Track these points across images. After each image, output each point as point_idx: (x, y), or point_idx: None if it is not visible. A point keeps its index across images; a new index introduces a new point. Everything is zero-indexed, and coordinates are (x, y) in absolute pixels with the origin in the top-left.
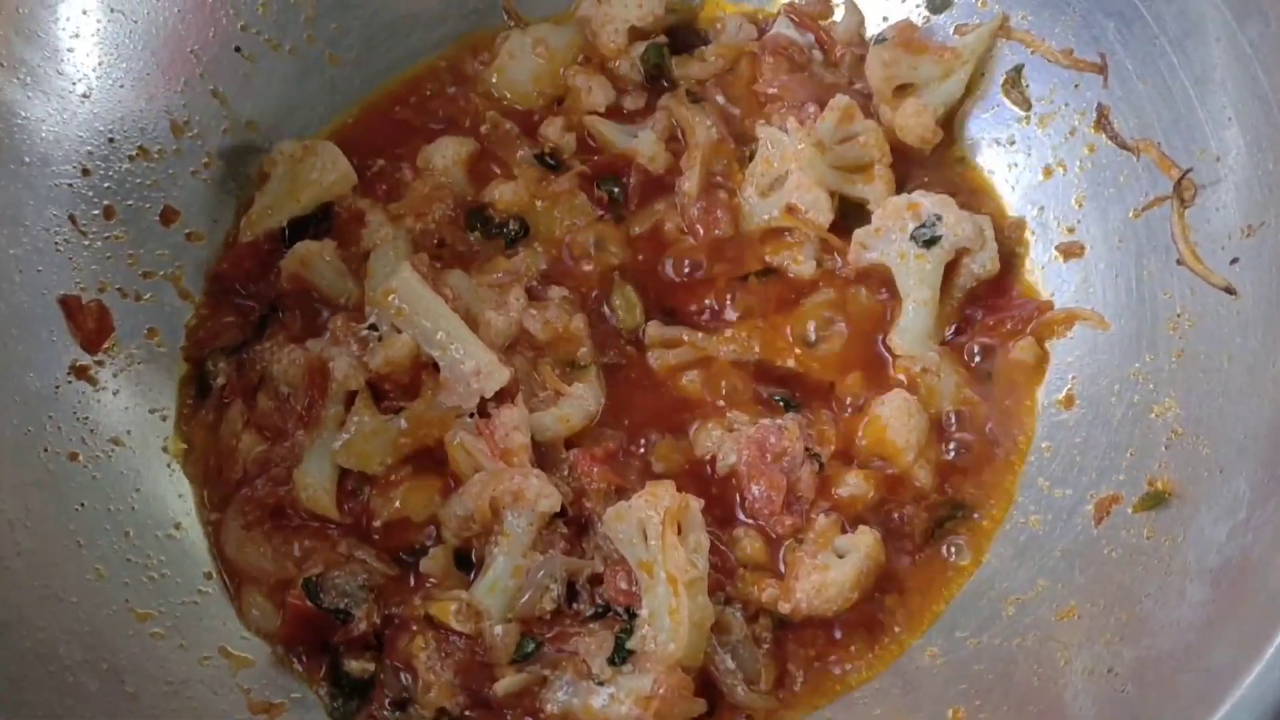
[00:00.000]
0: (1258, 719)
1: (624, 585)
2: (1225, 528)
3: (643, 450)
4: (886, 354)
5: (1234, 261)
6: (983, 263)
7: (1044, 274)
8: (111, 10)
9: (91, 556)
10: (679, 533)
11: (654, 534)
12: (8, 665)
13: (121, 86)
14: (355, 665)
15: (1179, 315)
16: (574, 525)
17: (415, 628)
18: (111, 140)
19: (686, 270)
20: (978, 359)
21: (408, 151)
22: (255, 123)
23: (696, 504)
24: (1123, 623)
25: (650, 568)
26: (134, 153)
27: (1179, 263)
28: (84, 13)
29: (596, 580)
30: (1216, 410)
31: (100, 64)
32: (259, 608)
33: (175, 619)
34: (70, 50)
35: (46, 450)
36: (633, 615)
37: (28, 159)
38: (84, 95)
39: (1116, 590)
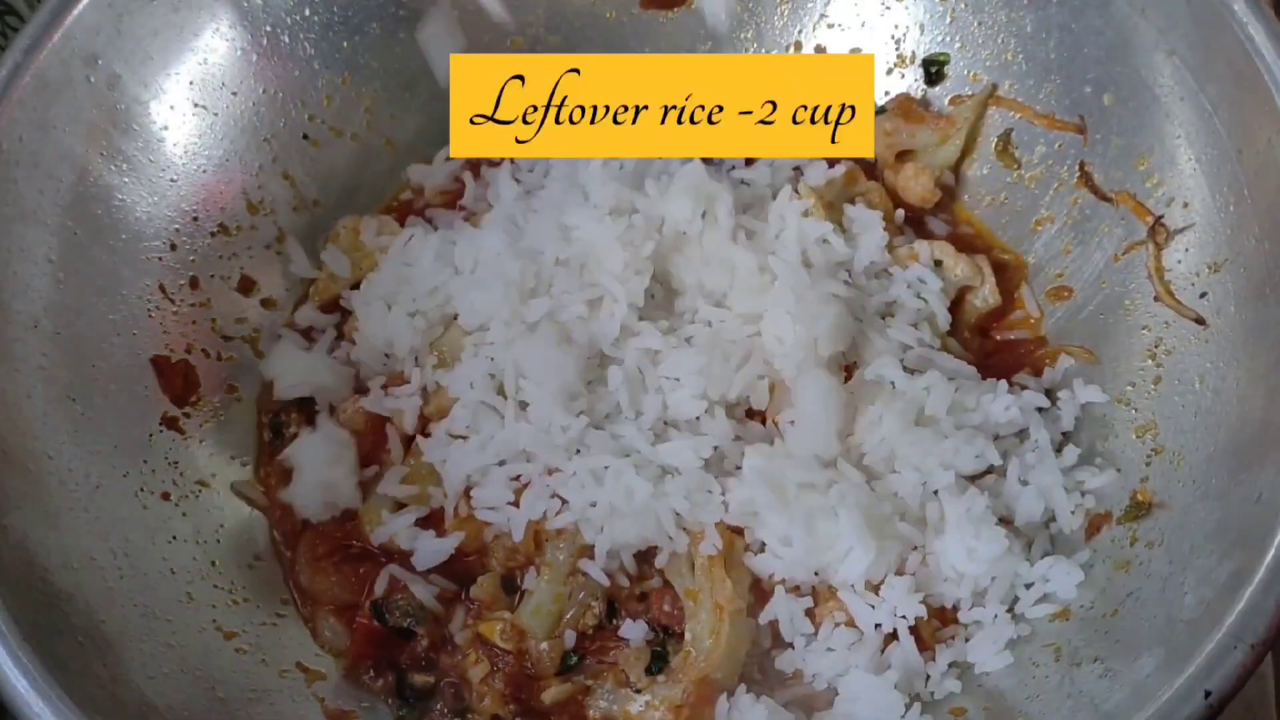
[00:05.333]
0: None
1: (667, 608)
2: (1200, 531)
3: None
4: None
5: (1203, 295)
6: (984, 296)
7: (1036, 315)
8: (195, 105)
9: (182, 582)
10: (726, 568)
11: (700, 567)
12: (116, 670)
13: (204, 171)
14: (418, 678)
15: (1157, 346)
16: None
17: (469, 644)
18: (196, 219)
19: None
20: None
21: None
22: (321, 201)
23: (740, 542)
24: (1108, 618)
25: (695, 595)
26: (215, 229)
27: (1156, 299)
28: (171, 108)
29: (643, 598)
30: (1189, 428)
31: (185, 152)
32: (331, 629)
33: (257, 637)
34: (160, 141)
35: (142, 490)
36: (669, 632)
37: (124, 236)
38: (172, 180)
39: (1102, 593)
